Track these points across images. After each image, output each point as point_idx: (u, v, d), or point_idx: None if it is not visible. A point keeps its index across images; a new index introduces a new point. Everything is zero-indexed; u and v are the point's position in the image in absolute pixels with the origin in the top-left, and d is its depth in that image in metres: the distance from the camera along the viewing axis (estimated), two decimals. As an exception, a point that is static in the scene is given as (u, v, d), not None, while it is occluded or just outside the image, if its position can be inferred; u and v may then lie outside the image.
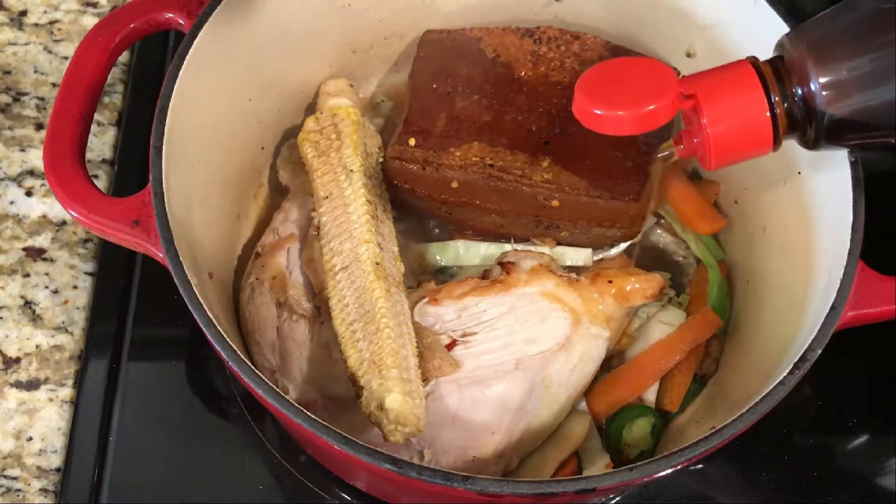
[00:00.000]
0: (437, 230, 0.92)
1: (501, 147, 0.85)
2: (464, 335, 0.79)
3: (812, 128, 0.62)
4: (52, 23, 1.07)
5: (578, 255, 0.88)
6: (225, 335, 0.67)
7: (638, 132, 0.63)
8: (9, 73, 1.04)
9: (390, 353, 0.72)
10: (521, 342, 0.78)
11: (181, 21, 0.80)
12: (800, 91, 0.61)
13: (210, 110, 0.81)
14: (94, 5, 1.09)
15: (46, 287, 0.94)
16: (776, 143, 0.63)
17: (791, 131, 0.63)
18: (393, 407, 0.69)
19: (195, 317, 0.67)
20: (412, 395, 0.71)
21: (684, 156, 0.67)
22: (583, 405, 0.84)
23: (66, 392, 0.89)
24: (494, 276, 0.82)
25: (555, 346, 0.78)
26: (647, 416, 0.83)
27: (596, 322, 0.80)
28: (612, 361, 0.86)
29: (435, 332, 0.79)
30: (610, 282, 0.81)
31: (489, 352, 0.78)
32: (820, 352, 0.68)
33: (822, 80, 0.60)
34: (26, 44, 1.06)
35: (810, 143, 0.63)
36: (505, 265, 0.82)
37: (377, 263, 0.76)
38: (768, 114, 0.62)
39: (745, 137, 0.63)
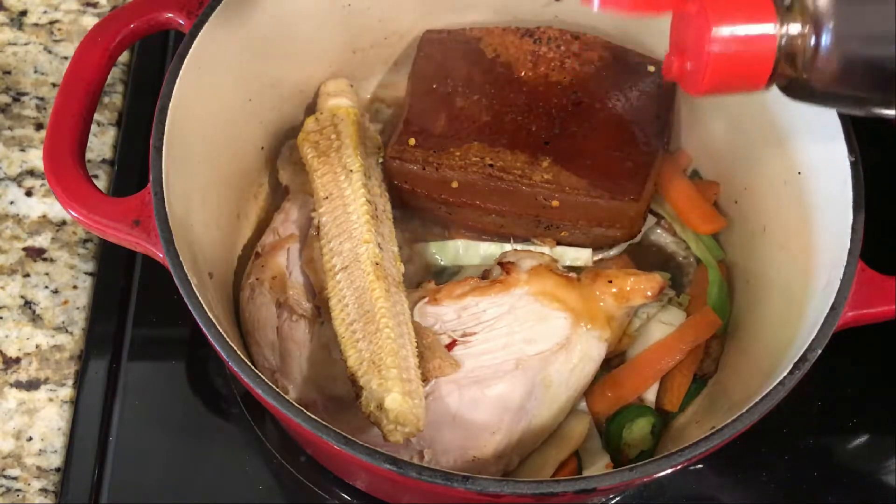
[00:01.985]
0: (437, 230, 0.92)
1: (501, 147, 0.85)
2: (464, 335, 0.79)
3: (809, 71, 0.59)
4: (52, 23, 1.07)
5: (578, 255, 0.88)
6: (225, 335, 0.67)
7: (636, 10, 0.61)
8: (9, 73, 1.04)
9: (390, 353, 0.72)
10: (521, 342, 0.78)
11: (181, 21, 0.80)
12: (807, 28, 0.59)
13: (210, 110, 0.81)
14: (94, 5, 1.09)
15: (46, 287, 0.94)
16: (771, 79, 0.61)
17: (786, 69, 0.60)
18: (392, 407, 0.69)
19: (195, 317, 0.67)
20: (411, 395, 0.71)
21: (670, 79, 0.64)
22: (583, 405, 0.84)
23: (66, 392, 0.89)
24: (494, 276, 0.82)
25: (555, 346, 0.78)
26: (647, 416, 0.83)
27: (596, 322, 0.80)
28: (612, 361, 0.86)
29: (435, 331, 0.79)
30: (610, 282, 0.81)
31: (489, 352, 0.78)
32: (820, 352, 0.68)
33: (832, 22, 0.58)
34: (26, 44, 1.06)
35: (802, 90, 0.61)
36: (505, 265, 0.82)
37: (377, 263, 0.76)
38: (773, 42, 0.59)
39: (743, 63, 0.60)
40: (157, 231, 0.70)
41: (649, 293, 0.82)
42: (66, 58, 1.05)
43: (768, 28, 0.59)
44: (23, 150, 1.00)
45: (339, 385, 0.78)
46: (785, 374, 0.67)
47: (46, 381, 0.89)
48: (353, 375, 0.73)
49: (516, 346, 0.78)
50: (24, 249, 0.95)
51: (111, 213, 0.73)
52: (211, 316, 0.67)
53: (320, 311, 0.81)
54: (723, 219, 0.92)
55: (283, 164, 0.92)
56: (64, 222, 0.97)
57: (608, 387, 0.84)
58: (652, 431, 0.83)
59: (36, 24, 1.07)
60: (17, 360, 0.90)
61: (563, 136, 0.86)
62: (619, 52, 0.90)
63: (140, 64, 1.05)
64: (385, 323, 0.73)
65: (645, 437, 0.82)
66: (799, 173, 0.80)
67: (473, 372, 0.77)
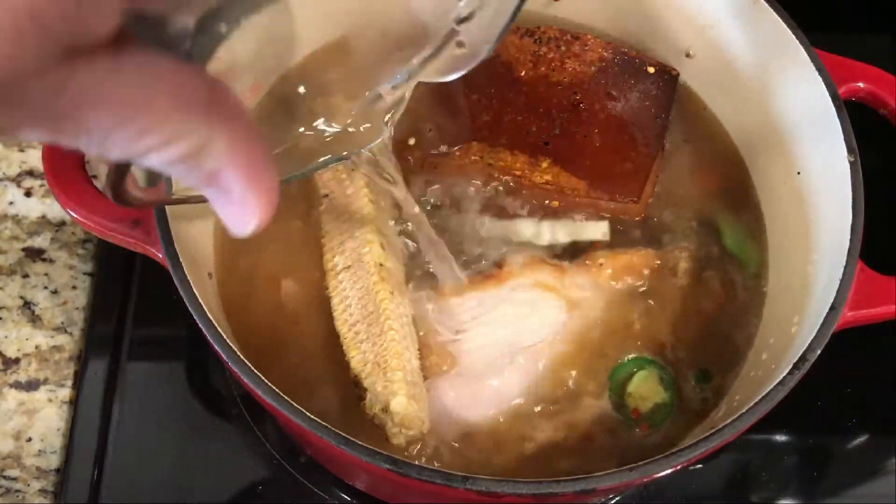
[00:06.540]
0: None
1: (501, 147, 0.85)
2: (459, 331, 0.78)
3: None
4: (51, 23, 1.07)
5: (597, 228, 0.85)
6: (224, 336, 0.66)
7: None
8: (8, 73, 1.04)
9: (395, 356, 0.71)
10: (517, 334, 0.78)
11: (181, 21, 0.80)
12: None
13: (209, 110, 0.81)
14: (94, 6, 1.09)
15: (46, 287, 0.93)
16: None
17: None
18: (398, 410, 0.69)
19: (194, 317, 0.67)
20: (416, 399, 0.70)
21: None
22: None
23: (66, 393, 0.89)
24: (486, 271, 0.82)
25: (551, 336, 0.78)
26: (648, 367, 0.78)
27: (593, 309, 0.80)
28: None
29: (430, 327, 0.79)
30: (601, 264, 0.81)
31: (486, 345, 0.78)
32: (820, 352, 0.68)
33: None
34: (26, 44, 1.06)
35: None
36: (497, 261, 0.82)
37: (381, 265, 0.76)
38: None
39: None
40: (156, 231, 0.70)
41: (643, 267, 0.81)
42: (65, 58, 1.05)
43: None
44: (22, 151, 1.00)
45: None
46: (785, 373, 0.67)
47: (46, 381, 0.89)
48: (357, 377, 0.72)
49: (513, 339, 0.78)
50: (24, 250, 0.95)
51: (111, 214, 0.73)
52: (210, 316, 0.67)
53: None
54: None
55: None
56: (63, 223, 0.97)
57: None
58: (662, 383, 0.78)
59: (35, 25, 1.07)
60: (17, 361, 0.90)
61: (562, 137, 0.85)
62: (619, 53, 0.90)
63: (139, 64, 1.05)
64: (390, 325, 0.73)
65: (654, 389, 0.78)
66: (798, 173, 0.80)
67: (470, 366, 0.77)
